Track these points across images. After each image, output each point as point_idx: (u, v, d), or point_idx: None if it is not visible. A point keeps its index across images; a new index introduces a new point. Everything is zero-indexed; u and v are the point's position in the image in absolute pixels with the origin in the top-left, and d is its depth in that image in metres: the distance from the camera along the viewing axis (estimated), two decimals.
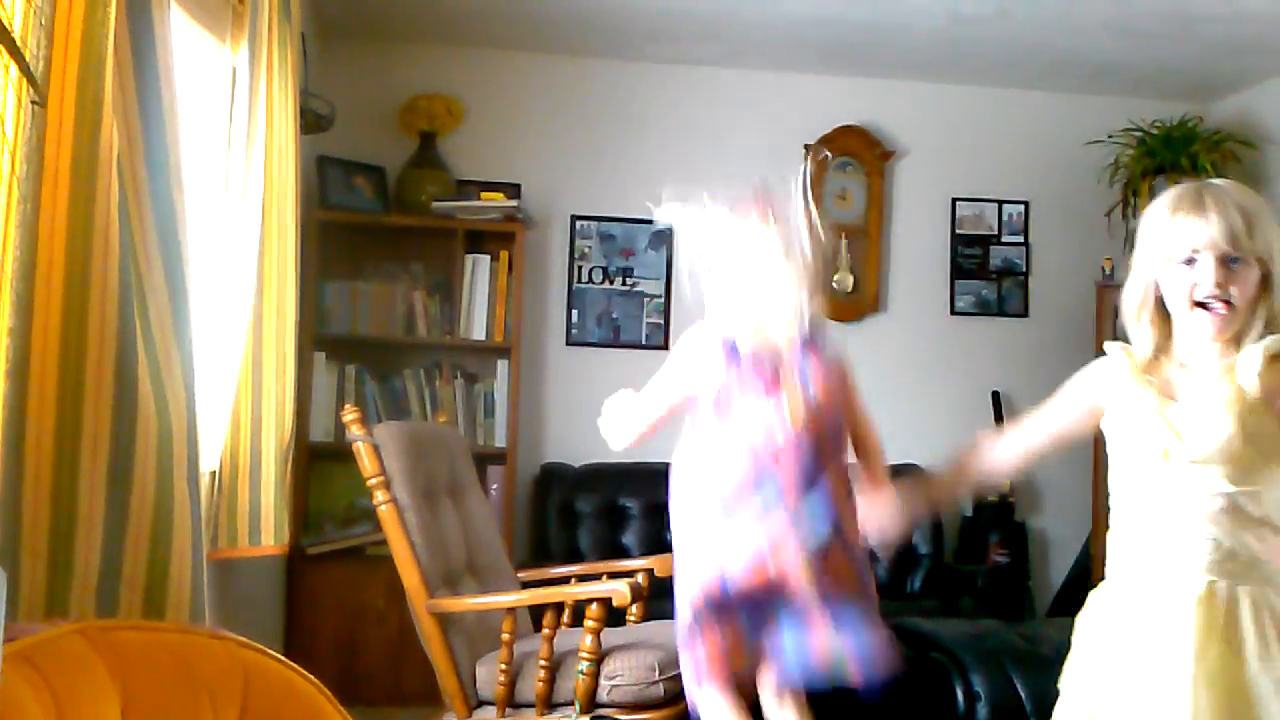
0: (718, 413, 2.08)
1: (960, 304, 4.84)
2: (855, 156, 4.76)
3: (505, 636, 2.64)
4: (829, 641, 2.04)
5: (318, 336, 4.09)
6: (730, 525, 2.04)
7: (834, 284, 4.71)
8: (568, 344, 4.57)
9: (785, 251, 2.13)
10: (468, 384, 4.29)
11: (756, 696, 2.29)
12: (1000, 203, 4.86)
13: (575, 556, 4.11)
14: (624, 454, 4.91)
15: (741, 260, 2.16)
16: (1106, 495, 1.82)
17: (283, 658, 1.65)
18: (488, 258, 4.24)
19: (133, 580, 1.86)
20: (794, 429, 2.03)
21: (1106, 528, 1.81)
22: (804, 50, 4.46)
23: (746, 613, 2.09)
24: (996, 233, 4.86)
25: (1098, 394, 1.81)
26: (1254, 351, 1.67)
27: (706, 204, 2.19)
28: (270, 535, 2.87)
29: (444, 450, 3.11)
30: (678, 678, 2.71)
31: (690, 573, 2.10)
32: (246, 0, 2.83)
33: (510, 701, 2.66)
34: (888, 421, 4.84)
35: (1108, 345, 1.82)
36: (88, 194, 1.72)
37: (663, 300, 4.61)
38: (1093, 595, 1.84)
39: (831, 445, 2.12)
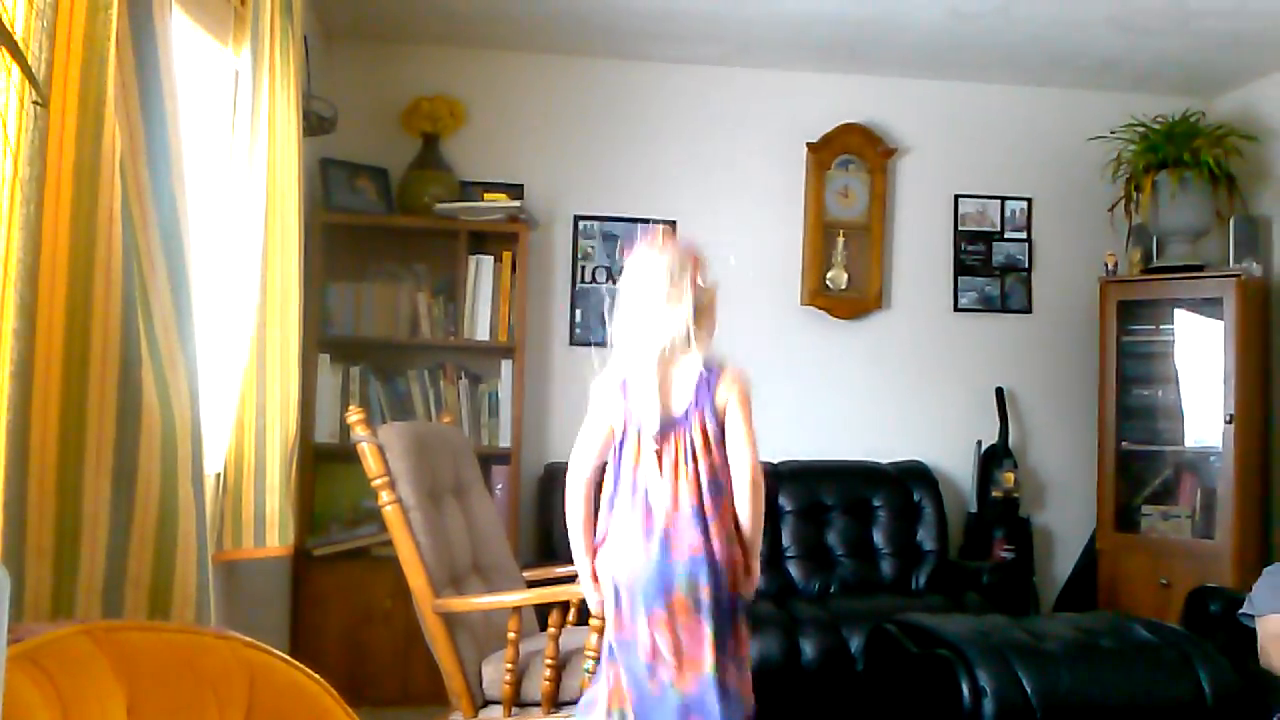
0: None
1: (963, 301, 4.83)
2: (857, 154, 4.75)
3: (511, 636, 2.64)
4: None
5: (322, 338, 4.10)
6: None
7: (828, 283, 4.71)
8: (571, 344, 4.57)
9: (670, 276, 2.23)
10: (472, 384, 4.29)
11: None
12: (1003, 199, 4.86)
13: None
14: None
15: (633, 283, 2.41)
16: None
17: (289, 658, 1.65)
18: (491, 258, 4.24)
19: (138, 581, 1.86)
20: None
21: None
22: (805, 48, 4.46)
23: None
24: (999, 229, 4.85)
25: None
26: None
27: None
28: (275, 536, 2.88)
29: (448, 450, 3.11)
30: None
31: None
32: (248, 2, 2.83)
33: (516, 700, 2.67)
34: (891, 419, 4.88)
35: None
36: (90, 196, 1.72)
37: None
38: None
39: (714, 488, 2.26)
